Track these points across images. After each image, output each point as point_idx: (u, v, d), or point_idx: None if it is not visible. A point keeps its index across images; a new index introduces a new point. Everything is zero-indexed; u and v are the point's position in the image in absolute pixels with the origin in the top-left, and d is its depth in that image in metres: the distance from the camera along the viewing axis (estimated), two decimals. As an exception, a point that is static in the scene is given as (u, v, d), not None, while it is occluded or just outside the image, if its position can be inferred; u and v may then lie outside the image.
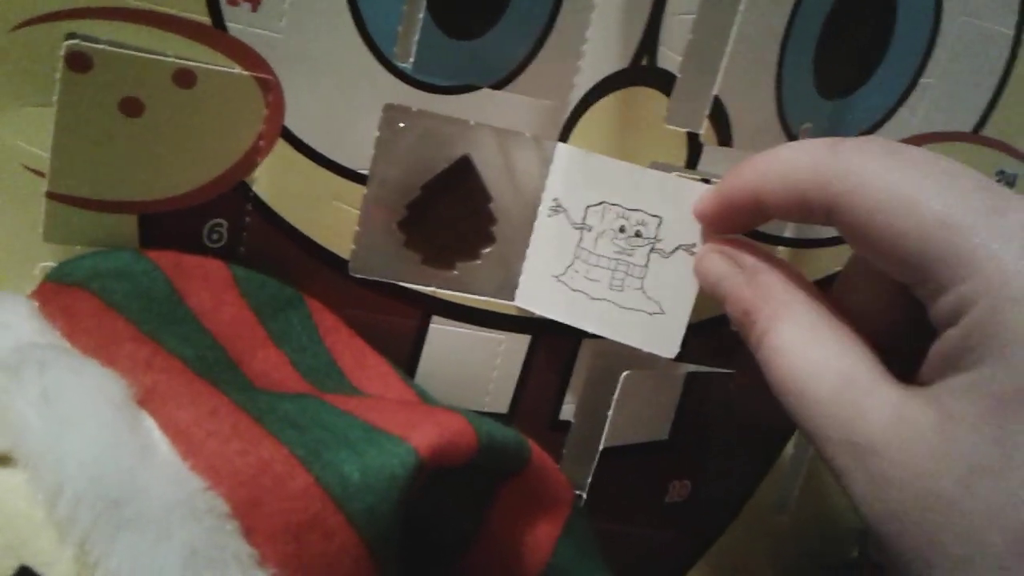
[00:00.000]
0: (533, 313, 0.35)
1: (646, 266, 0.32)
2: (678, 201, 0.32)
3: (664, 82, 0.35)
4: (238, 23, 0.29)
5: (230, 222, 0.32)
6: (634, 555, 0.40)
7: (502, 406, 0.37)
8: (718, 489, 0.42)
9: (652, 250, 0.32)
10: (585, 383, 0.38)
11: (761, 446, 0.43)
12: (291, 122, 0.31)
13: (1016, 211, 0.22)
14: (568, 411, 0.38)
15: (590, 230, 0.33)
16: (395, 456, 0.25)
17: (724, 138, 0.35)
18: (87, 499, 0.21)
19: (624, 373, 0.35)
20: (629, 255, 0.33)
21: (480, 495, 0.30)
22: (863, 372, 0.25)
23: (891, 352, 0.26)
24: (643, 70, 0.34)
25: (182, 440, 0.23)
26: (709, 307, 0.33)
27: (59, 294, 0.28)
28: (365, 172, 0.32)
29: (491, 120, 0.33)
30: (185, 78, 0.29)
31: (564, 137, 0.34)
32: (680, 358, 0.33)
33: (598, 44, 0.33)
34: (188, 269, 0.30)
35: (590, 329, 0.34)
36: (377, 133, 0.32)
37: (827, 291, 0.29)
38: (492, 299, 0.35)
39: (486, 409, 0.37)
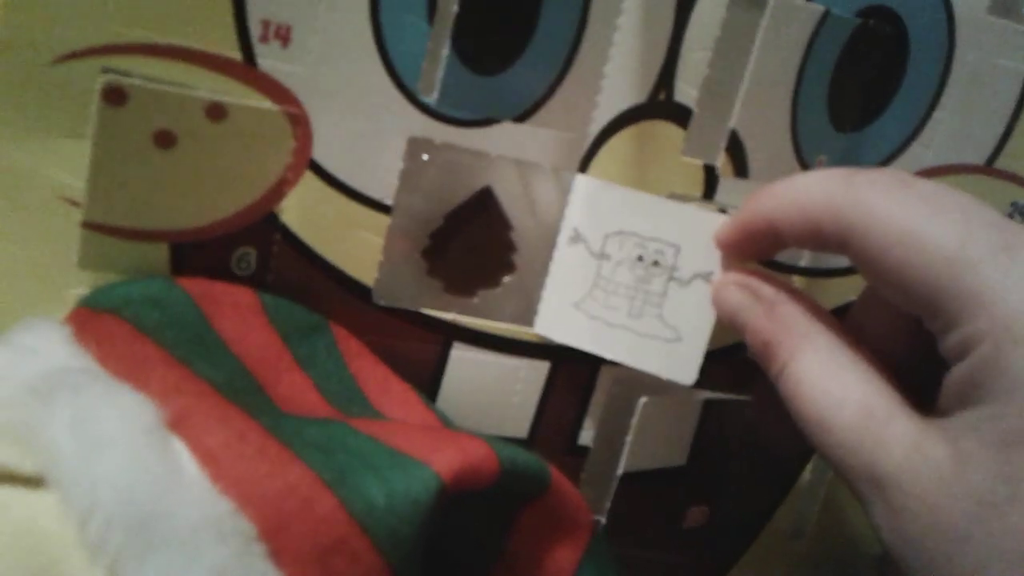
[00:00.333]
0: (552, 340, 0.36)
1: (664, 294, 0.33)
2: (695, 230, 0.32)
3: (681, 116, 0.35)
4: (269, 59, 0.30)
5: (258, 251, 0.32)
6: (652, 581, 0.40)
7: (521, 431, 0.37)
8: (736, 515, 0.42)
9: (670, 278, 0.33)
10: (603, 409, 0.38)
11: (778, 472, 0.43)
12: (319, 154, 0.32)
13: None
14: (586, 436, 0.38)
15: (608, 259, 0.34)
16: (419, 480, 0.25)
17: (740, 170, 0.36)
18: (117, 521, 0.22)
19: (642, 399, 0.35)
20: (647, 283, 0.33)
21: (501, 519, 0.30)
22: (882, 403, 0.25)
23: (909, 378, 0.27)
24: (661, 104, 0.35)
25: (211, 462, 0.24)
26: (726, 335, 0.33)
27: (92, 320, 0.28)
28: (390, 203, 0.33)
29: (512, 152, 0.34)
30: (217, 112, 0.30)
31: (583, 169, 0.35)
32: (698, 385, 0.33)
33: (617, 79, 0.34)
34: (217, 296, 0.30)
35: (608, 356, 0.34)
36: (401, 165, 0.33)
37: (843, 319, 0.30)
38: (512, 326, 0.36)
39: (506, 434, 0.37)
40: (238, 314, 0.30)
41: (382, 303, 0.34)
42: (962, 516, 0.22)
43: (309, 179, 0.32)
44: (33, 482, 0.23)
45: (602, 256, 0.34)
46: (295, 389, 0.30)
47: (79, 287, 0.30)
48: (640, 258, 0.33)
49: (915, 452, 0.24)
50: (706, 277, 0.32)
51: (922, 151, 0.39)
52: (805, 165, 0.37)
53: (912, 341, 0.28)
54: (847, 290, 0.40)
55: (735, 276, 0.31)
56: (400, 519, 0.25)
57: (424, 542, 0.26)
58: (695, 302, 0.32)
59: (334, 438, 0.26)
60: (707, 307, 0.32)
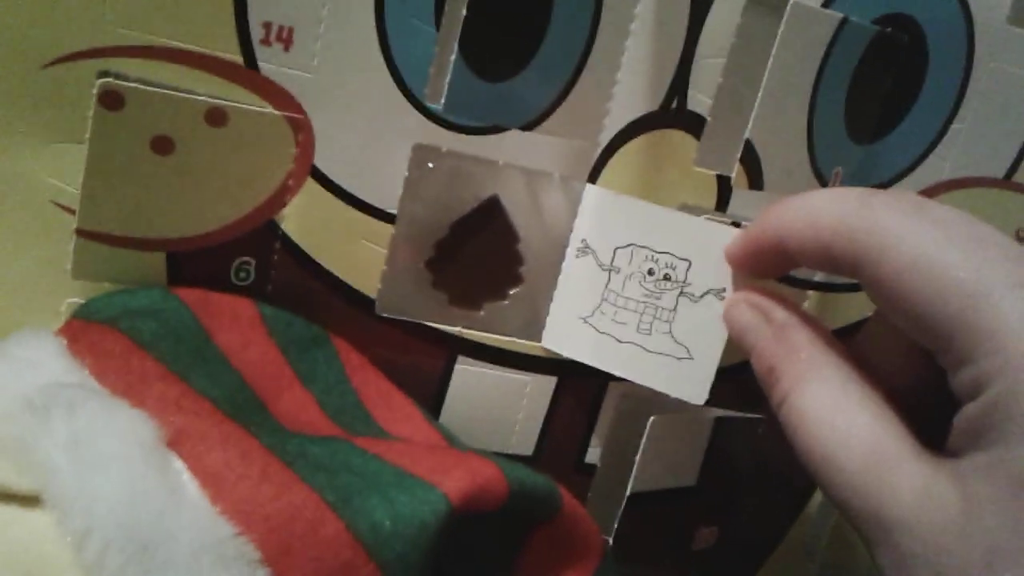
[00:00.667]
0: (559, 354, 0.35)
1: (674, 310, 0.32)
2: (708, 245, 0.31)
3: (694, 125, 0.35)
4: (270, 63, 0.30)
5: (258, 260, 0.32)
6: (659, 601, 0.40)
7: (527, 448, 0.37)
8: (746, 536, 0.41)
9: (681, 294, 0.32)
10: (611, 427, 0.38)
11: (790, 493, 0.42)
12: (321, 161, 0.31)
13: None
14: (594, 454, 0.38)
15: (618, 272, 0.33)
16: (426, 503, 0.25)
17: (755, 182, 0.35)
18: (116, 543, 0.21)
19: (652, 418, 0.35)
20: (657, 298, 0.32)
21: (510, 543, 0.29)
22: (891, 444, 0.24)
23: (915, 411, 0.26)
24: (673, 113, 0.34)
25: (212, 483, 0.23)
26: (739, 351, 0.32)
27: (87, 331, 0.28)
28: (393, 211, 0.32)
29: (520, 161, 0.33)
30: (217, 117, 0.29)
31: (593, 178, 0.34)
32: (708, 403, 0.32)
33: (628, 86, 0.33)
34: (216, 307, 0.30)
35: (617, 373, 0.33)
36: (406, 173, 0.32)
37: (851, 340, 0.29)
38: (519, 340, 0.35)
39: (511, 451, 0.36)
40: (237, 326, 0.30)
41: (385, 315, 0.33)
42: (973, 564, 0.21)
43: (311, 186, 0.31)
44: (29, 501, 0.22)
45: (611, 269, 0.33)
46: (296, 405, 0.29)
47: (73, 297, 0.30)
48: (650, 272, 0.32)
49: (925, 496, 0.23)
50: (718, 294, 0.31)
51: (939, 163, 0.39)
52: (821, 177, 0.36)
53: (921, 373, 0.26)
54: (862, 306, 0.39)
55: (748, 294, 0.30)
56: (407, 543, 0.24)
57: (432, 566, 0.25)
58: (706, 319, 0.31)
59: (338, 457, 0.26)
60: (719, 325, 0.31)
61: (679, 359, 0.32)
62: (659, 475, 0.36)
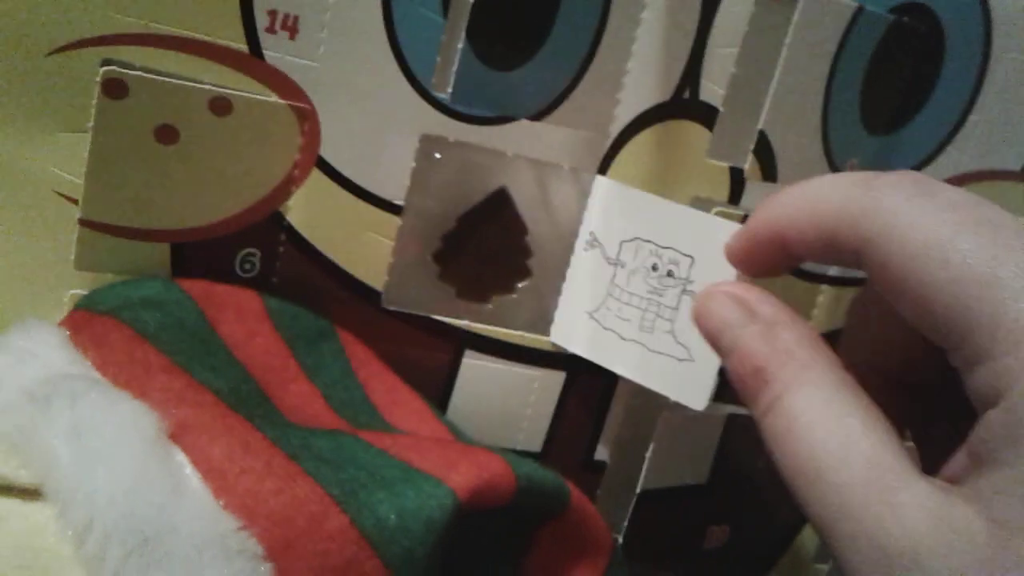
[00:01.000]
0: (566, 350, 0.34)
1: (676, 308, 0.31)
2: (711, 241, 0.29)
3: (707, 116, 0.34)
4: (276, 51, 0.29)
5: (263, 251, 0.31)
6: (669, 601, 0.39)
7: (535, 444, 0.36)
8: (758, 535, 0.41)
9: (684, 291, 0.30)
10: (621, 423, 0.37)
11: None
12: (327, 151, 0.31)
13: None
14: (603, 451, 0.37)
15: (623, 267, 0.32)
16: (433, 498, 0.24)
17: (769, 173, 0.35)
18: (117, 536, 0.21)
19: (662, 414, 0.34)
20: (660, 295, 0.31)
21: (518, 538, 0.29)
22: (894, 460, 0.21)
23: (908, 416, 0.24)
24: (685, 103, 0.34)
25: (214, 477, 0.23)
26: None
27: (90, 323, 0.27)
28: (400, 203, 0.32)
29: (529, 152, 0.33)
30: (221, 106, 0.29)
31: (603, 170, 0.34)
32: (719, 398, 0.31)
33: (639, 76, 0.33)
34: (220, 299, 0.29)
35: (618, 371, 0.32)
36: (413, 163, 0.32)
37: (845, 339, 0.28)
38: (527, 334, 0.35)
39: (518, 447, 0.36)
40: (242, 318, 0.29)
41: (391, 308, 0.33)
42: None
43: (316, 177, 0.31)
44: (30, 493, 0.22)
45: (617, 263, 0.32)
46: (302, 398, 0.29)
47: (76, 288, 0.30)
48: (654, 267, 0.31)
49: (942, 524, 0.19)
50: None
51: (957, 155, 0.38)
52: (836, 168, 0.35)
53: (915, 358, 0.24)
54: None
55: (728, 286, 0.27)
56: (413, 539, 0.24)
57: (437, 562, 0.25)
58: None
59: (343, 451, 0.25)
60: None
61: (680, 360, 0.30)
62: (670, 472, 0.36)
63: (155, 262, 0.30)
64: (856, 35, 0.34)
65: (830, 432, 0.22)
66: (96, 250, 0.29)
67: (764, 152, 0.34)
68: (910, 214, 0.22)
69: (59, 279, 0.29)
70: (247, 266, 0.31)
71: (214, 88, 0.29)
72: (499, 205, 0.34)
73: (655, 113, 0.34)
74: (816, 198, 0.24)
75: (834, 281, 0.38)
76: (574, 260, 0.34)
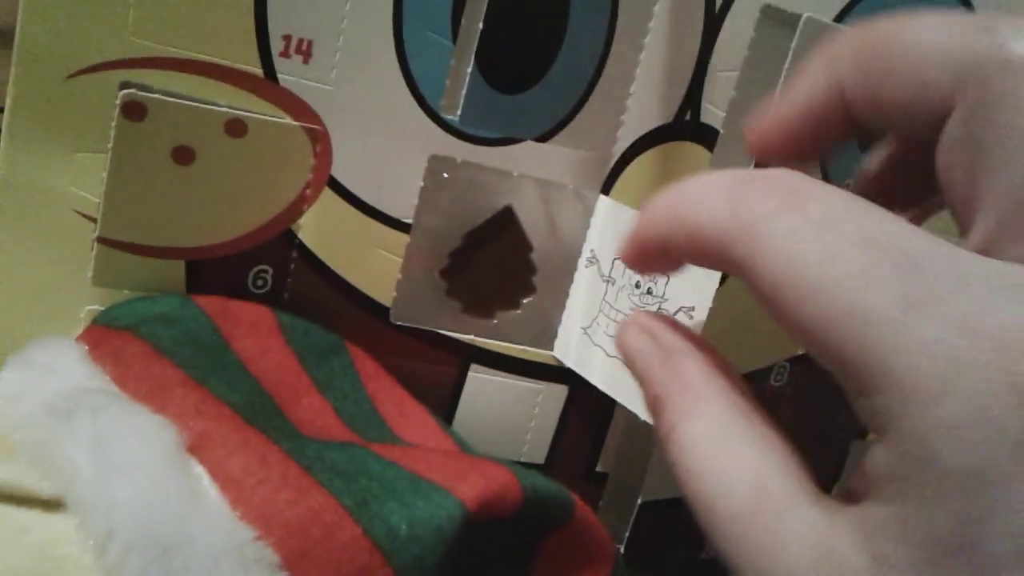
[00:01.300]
0: (564, 365, 0.35)
1: None
2: None
3: (708, 137, 0.35)
4: (289, 75, 0.30)
5: (275, 268, 0.32)
6: (668, 610, 0.40)
7: (539, 456, 0.37)
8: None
9: (659, 310, 0.31)
10: (622, 435, 0.38)
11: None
12: (338, 171, 0.31)
13: (947, 303, 0.17)
14: (605, 463, 0.38)
15: (613, 283, 0.33)
16: (442, 508, 0.25)
17: (767, 193, 0.35)
18: (137, 546, 0.21)
19: (663, 426, 0.35)
20: None
21: (523, 549, 0.29)
22: (778, 483, 0.20)
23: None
24: (686, 125, 0.35)
25: (232, 488, 0.23)
26: (750, 359, 0.32)
27: (108, 338, 0.28)
28: (409, 221, 0.33)
29: (535, 172, 0.34)
30: (236, 127, 0.30)
31: (606, 190, 0.34)
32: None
33: (642, 99, 0.34)
34: (235, 315, 0.30)
35: (600, 388, 0.32)
36: (421, 183, 0.32)
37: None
38: (531, 348, 0.35)
39: (523, 459, 0.36)
40: (255, 334, 0.30)
41: (399, 323, 0.34)
42: None
43: (328, 196, 0.32)
44: (52, 505, 0.23)
45: (608, 280, 0.33)
46: (313, 412, 0.30)
47: (93, 304, 0.30)
48: (637, 285, 0.32)
49: (823, 556, 0.18)
50: (688, 312, 0.30)
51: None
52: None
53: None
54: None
55: (641, 316, 0.26)
56: (423, 548, 0.24)
57: (447, 571, 0.26)
58: None
59: (355, 463, 0.26)
60: None
61: None
62: (671, 483, 0.36)
63: (170, 279, 0.31)
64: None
65: (717, 463, 0.21)
66: (113, 267, 0.30)
67: (763, 173, 0.35)
68: (774, 238, 0.19)
69: (77, 295, 0.30)
70: (259, 283, 0.32)
71: (230, 110, 0.29)
72: (505, 223, 0.35)
73: (657, 135, 0.34)
74: (685, 207, 0.22)
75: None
76: (577, 276, 0.35)
